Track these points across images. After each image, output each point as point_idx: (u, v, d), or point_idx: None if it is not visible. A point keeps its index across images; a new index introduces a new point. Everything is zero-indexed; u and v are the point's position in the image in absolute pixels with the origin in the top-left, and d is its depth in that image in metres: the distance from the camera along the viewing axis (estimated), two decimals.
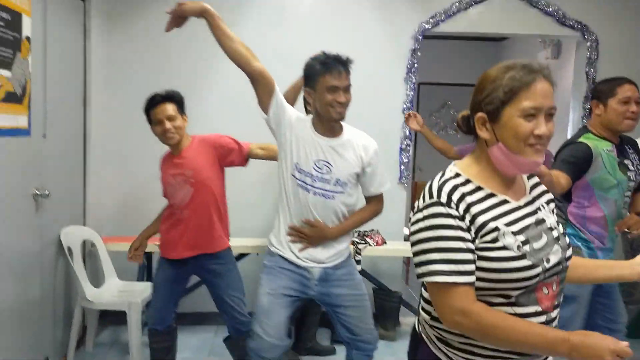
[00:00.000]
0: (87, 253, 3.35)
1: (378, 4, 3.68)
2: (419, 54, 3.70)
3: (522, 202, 1.24)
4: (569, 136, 3.91)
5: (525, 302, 1.17)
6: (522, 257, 1.15)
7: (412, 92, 3.71)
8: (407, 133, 3.72)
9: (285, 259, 2.22)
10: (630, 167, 2.30)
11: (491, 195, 1.21)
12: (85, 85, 3.33)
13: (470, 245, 1.15)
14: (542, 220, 1.24)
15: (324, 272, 2.23)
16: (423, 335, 1.32)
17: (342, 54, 2.19)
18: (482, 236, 1.16)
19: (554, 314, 1.23)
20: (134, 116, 3.55)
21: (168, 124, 2.47)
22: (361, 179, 2.26)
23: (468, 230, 1.16)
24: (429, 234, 1.15)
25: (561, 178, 2.15)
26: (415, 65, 3.71)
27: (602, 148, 2.24)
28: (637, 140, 2.49)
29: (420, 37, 3.67)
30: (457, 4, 3.65)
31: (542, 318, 1.19)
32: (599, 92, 2.35)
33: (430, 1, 3.67)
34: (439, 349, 1.26)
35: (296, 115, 2.22)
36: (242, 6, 3.62)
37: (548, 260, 1.19)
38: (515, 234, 1.17)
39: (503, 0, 3.67)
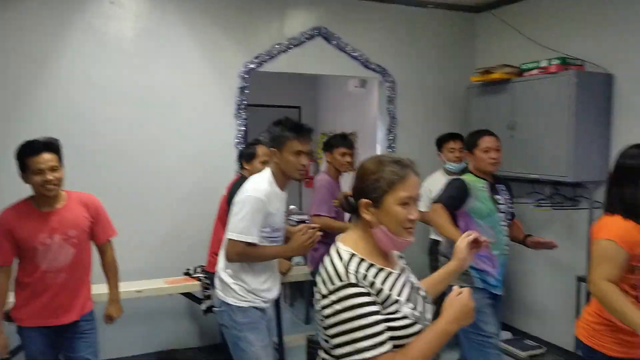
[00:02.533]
0: None
1: (203, 42, 3.80)
2: (247, 91, 3.95)
3: (397, 270, 1.45)
4: (378, 152, 4.52)
5: None
6: (415, 323, 1.36)
7: (244, 128, 3.94)
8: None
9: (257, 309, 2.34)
10: (501, 202, 2.80)
11: (381, 269, 1.36)
12: None
13: (383, 315, 1.31)
14: (416, 287, 1.47)
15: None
16: None
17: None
18: (385, 307, 1.31)
19: None
20: None
21: (50, 175, 2.27)
22: None
23: (376, 302, 1.32)
24: (348, 315, 1.27)
25: (436, 209, 2.68)
26: (244, 102, 3.94)
27: (477, 185, 2.75)
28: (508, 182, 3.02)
29: (246, 76, 3.93)
30: (276, 46, 3.99)
31: None
32: (467, 143, 2.88)
33: (254, 43, 3.93)
34: None
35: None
36: (63, 32, 3.43)
37: (428, 320, 1.43)
38: (406, 302, 1.37)
39: (317, 45, 4.12)
